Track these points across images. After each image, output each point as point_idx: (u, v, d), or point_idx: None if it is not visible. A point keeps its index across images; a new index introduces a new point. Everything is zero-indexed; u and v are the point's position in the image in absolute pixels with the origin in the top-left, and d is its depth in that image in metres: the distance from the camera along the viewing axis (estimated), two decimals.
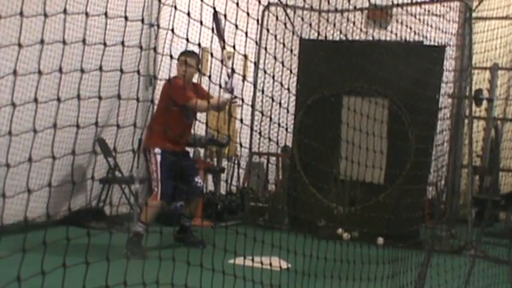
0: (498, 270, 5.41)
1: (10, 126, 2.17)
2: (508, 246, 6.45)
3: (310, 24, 6.37)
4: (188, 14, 2.99)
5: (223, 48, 5.79)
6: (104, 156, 7.55)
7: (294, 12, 7.99)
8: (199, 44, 3.21)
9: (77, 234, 2.50)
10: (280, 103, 4.43)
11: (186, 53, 6.11)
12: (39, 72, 2.20)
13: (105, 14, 2.41)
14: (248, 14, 3.42)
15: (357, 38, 7.18)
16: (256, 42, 3.57)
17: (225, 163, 9.37)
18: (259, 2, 3.54)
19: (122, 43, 2.48)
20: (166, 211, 6.77)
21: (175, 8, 2.94)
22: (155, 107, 7.55)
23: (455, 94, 8.06)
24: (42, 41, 2.10)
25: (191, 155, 6.66)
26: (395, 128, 7.24)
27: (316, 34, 7.17)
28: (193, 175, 6.41)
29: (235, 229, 3.72)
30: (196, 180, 6.39)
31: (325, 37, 6.53)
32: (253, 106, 8.19)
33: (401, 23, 6.74)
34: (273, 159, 9.61)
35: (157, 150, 6.14)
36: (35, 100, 2.17)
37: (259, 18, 7.54)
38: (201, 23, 3.06)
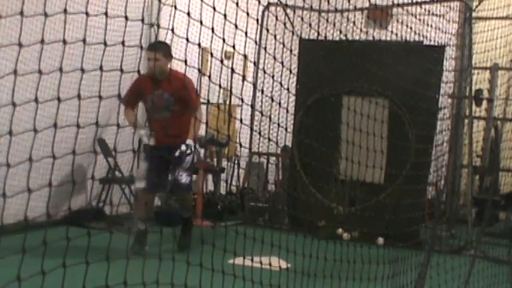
0: (498, 270, 5.41)
1: (10, 127, 2.17)
2: (508, 246, 6.44)
3: (310, 25, 6.36)
4: (188, 13, 2.99)
5: None
6: (104, 156, 7.54)
7: (294, 12, 7.99)
8: (199, 44, 3.21)
9: (77, 234, 2.50)
10: (280, 103, 4.43)
11: (148, 47, 6.22)
12: (40, 72, 2.20)
13: (105, 13, 2.41)
14: (248, 14, 3.42)
15: (357, 38, 7.18)
16: (256, 42, 3.56)
17: (224, 163, 9.37)
18: (259, 2, 3.54)
19: (122, 43, 2.48)
20: (165, 211, 6.79)
21: (175, 7, 2.94)
22: None
23: (455, 94, 8.06)
24: (42, 41, 2.10)
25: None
26: (395, 128, 7.24)
27: (316, 34, 7.18)
28: (173, 169, 6.18)
29: (235, 229, 3.72)
30: (176, 174, 6.17)
31: (325, 37, 6.53)
32: (253, 106, 8.19)
33: (402, 23, 6.74)
34: (273, 159, 9.60)
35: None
36: (36, 100, 2.17)
37: (259, 18, 7.54)
38: (201, 22, 3.06)
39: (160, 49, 6.05)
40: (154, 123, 6.29)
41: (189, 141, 6.10)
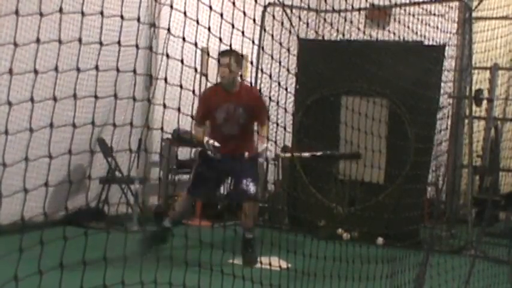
0: (498, 270, 5.40)
1: (6, 126, 2.16)
2: (508, 246, 6.43)
3: (307, 23, 6.34)
4: (185, 13, 2.98)
5: None
6: (103, 156, 7.54)
7: (292, 12, 7.98)
8: (195, 44, 3.20)
9: (75, 234, 2.50)
10: (277, 102, 4.43)
11: (220, 54, 5.53)
12: (35, 72, 2.20)
13: (101, 13, 2.41)
14: (245, 13, 3.41)
15: (356, 37, 7.17)
16: (253, 42, 3.56)
17: None
18: (255, 1, 3.54)
19: (118, 42, 2.48)
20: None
21: (172, 7, 2.94)
22: (154, 106, 7.54)
23: (455, 94, 8.05)
24: (38, 41, 2.10)
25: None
26: (395, 127, 7.23)
27: (315, 34, 7.16)
28: (241, 178, 5.90)
29: (234, 229, 3.72)
30: (243, 183, 5.86)
31: (323, 37, 6.52)
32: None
33: (400, 22, 6.73)
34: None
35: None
36: (31, 100, 2.16)
37: (259, 18, 7.54)
38: (198, 22, 3.06)
39: (233, 55, 5.73)
40: (219, 136, 5.90)
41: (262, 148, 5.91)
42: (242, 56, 5.91)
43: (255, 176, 5.99)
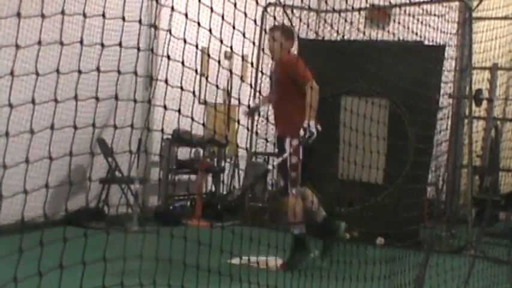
0: (498, 270, 5.40)
1: (7, 126, 2.17)
2: (508, 246, 6.44)
3: (308, 24, 6.35)
4: (186, 15, 2.98)
5: None
6: (104, 156, 7.54)
7: (291, 12, 7.99)
8: (196, 45, 3.21)
9: (75, 235, 2.50)
10: None
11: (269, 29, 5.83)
12: (36, 74, 2.20)
13: (103, 15, 2.42)
14: (246, 14, 3.42)
15: (357, 38, 7.18)
16: (254, 43, 3.56)
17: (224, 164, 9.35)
18: (257, 2, 3.54)
19: (120, 44, 2.49)
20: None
21: (172, 8, 2.94)
22: (153, 107, 7.55)
23: (455, 94, 8.05)
24: (39, 42, 2.11)
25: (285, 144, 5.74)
26: (395, 127, 7.23)
27: (315, 34, 7.16)
28: (280, 170, 5.70)
29: (232, 229, 3.71)
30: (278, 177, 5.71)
31: (323, 37, 6.52)
32: (250, 107, 8.17)
33: (400, 23, 6.73)
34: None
35: None
36: (32, 101, 2.17)
37: (259, 18, 7.54)
38: (199, 24, 3.06)
39: (279, 29, 5.91)
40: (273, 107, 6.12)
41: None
42: (291, 30, 6.05)
43: (285, 166, 5.70)
